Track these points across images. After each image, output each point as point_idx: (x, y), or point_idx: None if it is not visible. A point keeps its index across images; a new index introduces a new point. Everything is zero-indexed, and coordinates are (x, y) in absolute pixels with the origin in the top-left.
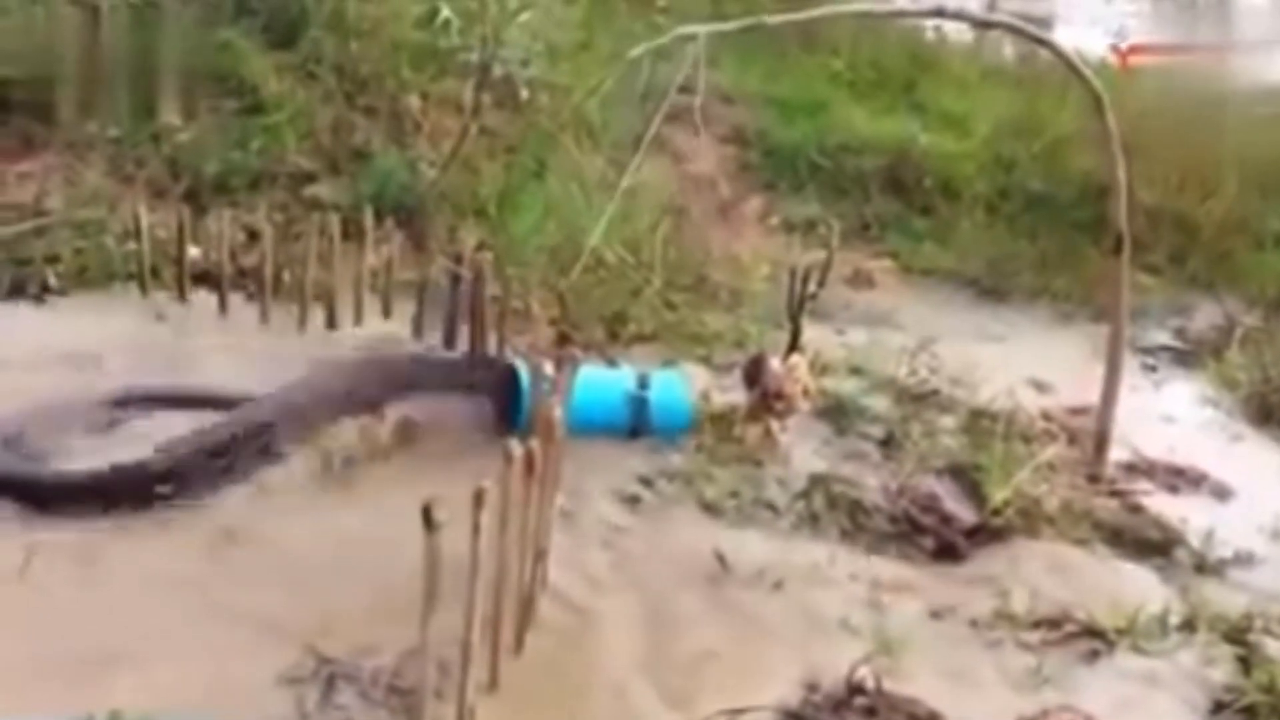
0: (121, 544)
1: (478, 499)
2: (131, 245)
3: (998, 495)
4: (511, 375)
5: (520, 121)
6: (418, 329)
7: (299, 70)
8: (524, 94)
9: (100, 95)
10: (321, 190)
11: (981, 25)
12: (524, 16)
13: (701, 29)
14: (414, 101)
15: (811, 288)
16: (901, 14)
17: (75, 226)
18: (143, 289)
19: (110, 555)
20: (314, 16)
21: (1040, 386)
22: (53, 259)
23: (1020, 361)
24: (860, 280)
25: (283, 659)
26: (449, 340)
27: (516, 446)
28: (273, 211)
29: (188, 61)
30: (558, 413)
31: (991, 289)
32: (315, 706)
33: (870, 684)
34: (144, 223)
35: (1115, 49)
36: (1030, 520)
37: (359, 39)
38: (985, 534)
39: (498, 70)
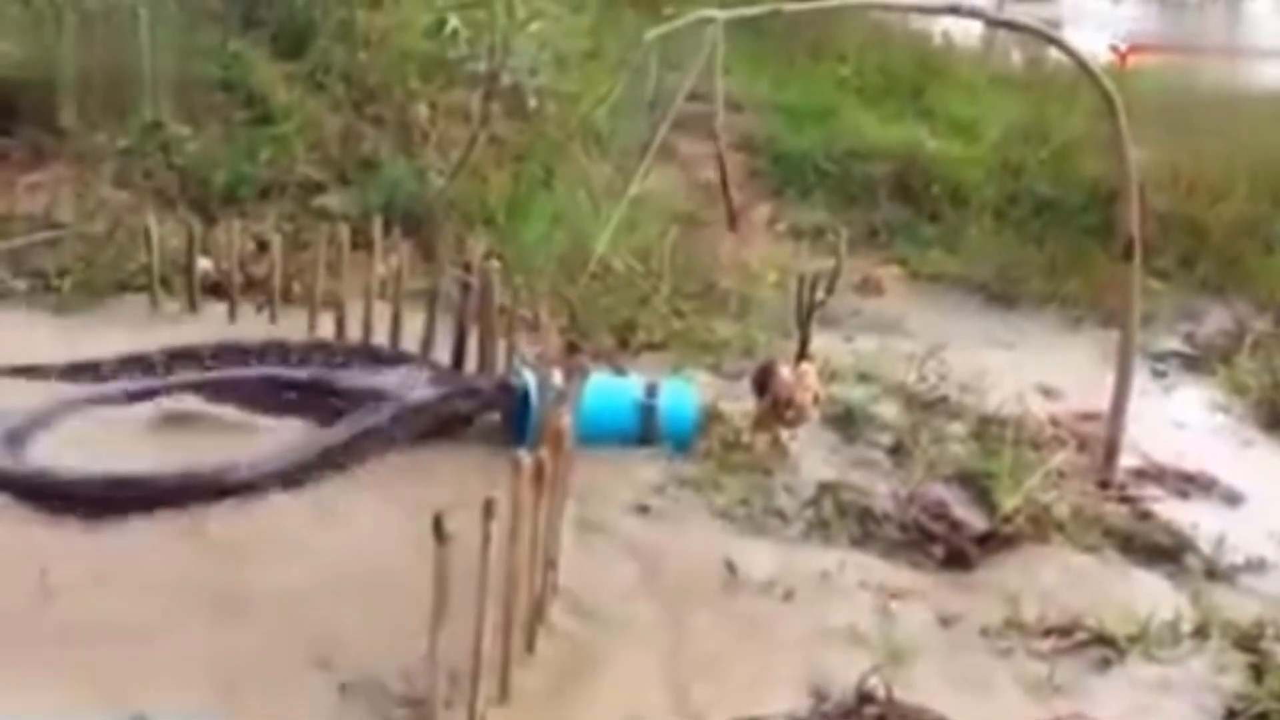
0: (130, 549)
1: (488, 509)
2: (142, 257)
3: (1007, 502)
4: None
5: (528, 130)
6: (426, 344)
7: (307, 80)
8: (532, 103)
9: (109, 106)
10: (330, 200)
11: (996, 25)
12: (533, 26)
13: (720, 14)
14: (422, 111)
15: (820, 295)
16: (917, 9)
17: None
18: (153, 300)
19: (120, 561)
20: (322, 27)
21: (1049, 392)
22: (62, 271)
23: (1029, 367)
24: (869, 287)
25: (293, 668)
26: (458, 351)
27: (525, 456)
28: (282, 221)
29: (196, 72)
30: (567, 421)
31: (1000, 295)
32: (326, 715)
33: (880, 692)
34: (154, 234)
35: (1114, 49)
36: (1040, 527)
37: (367, 49)
38: (995, 541)
39: (506, 79)
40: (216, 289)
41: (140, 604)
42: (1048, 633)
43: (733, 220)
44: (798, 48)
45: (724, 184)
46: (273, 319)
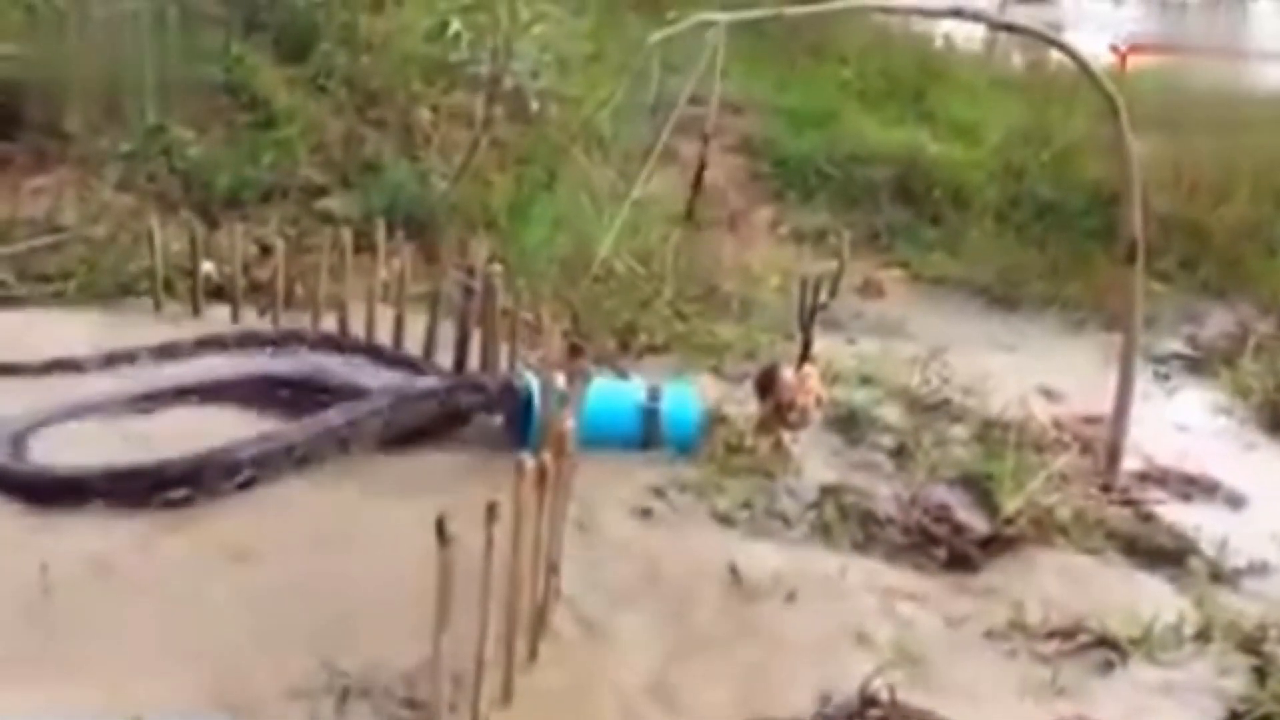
0: (133, 551)
1: (490, 512)
2: (145, 261)
3: (1010, 505)
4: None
5: (531, 133)
6: (429, 347)
7: (310, 84)
8: (534, 106)
9: (112, 110)
10: (333, 203)
11: (998, 27)
12: (535, 29)
13: (722, 16)
14: (425, 114)
15: (822, 297)
16: (919, 12)
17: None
18: (156, 303)
19: (123, 562)
20: (325, 30)
21: (1052, 395)
22: (66, 274)
23: (1032, 370)
24: (871, 289)
25: (295, 671)
26: (461, 353)
27: (528, 459)
28: (284, 225)
29: (199, 76)
30: (570, 424)
31: (1002, 297)
32: (328, 717)
33: (884, 696)
34: (157, 237)
35: (1114, 49)
36: (1043, 530)
37: (370, 53)
38: (998, 544)
39: (508, 83)
40: (219, 292)
41: (141, 602)
42: (1051, 635)
43: (691, 212)
44: (799, 50)
45: (698, 180)
46: (275, 322)
